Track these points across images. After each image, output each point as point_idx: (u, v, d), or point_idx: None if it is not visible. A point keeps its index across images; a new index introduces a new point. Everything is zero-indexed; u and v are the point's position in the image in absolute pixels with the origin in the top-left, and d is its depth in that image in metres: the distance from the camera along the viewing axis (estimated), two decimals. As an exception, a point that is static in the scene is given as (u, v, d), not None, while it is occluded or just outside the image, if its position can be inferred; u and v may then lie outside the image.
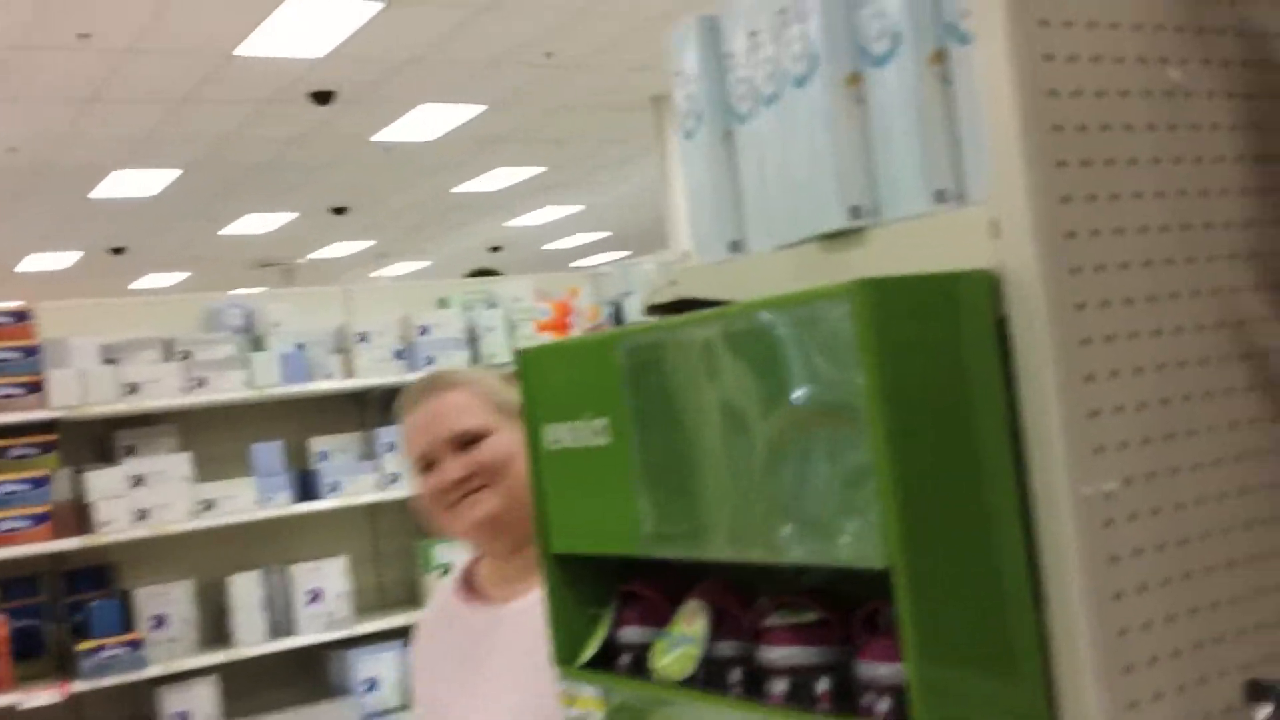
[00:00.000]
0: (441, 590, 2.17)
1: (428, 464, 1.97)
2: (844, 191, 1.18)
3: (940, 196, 1.13)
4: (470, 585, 2.09)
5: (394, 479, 5.12)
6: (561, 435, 1.28)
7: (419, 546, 5.26)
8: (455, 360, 5.28)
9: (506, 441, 1.95)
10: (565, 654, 1.34)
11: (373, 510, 5.36)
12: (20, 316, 4.58)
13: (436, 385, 2.02)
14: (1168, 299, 1.12)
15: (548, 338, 5.56)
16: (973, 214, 1.09)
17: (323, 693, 5.12)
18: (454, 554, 5.12)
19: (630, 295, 5.78)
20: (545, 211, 15.97)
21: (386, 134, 11.02)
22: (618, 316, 5.80)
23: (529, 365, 1.34)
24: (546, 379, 1.33)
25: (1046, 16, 1.09)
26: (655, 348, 1.19)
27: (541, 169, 13.30)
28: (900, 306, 0.99)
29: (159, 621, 4.75)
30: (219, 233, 14.80)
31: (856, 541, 0.98)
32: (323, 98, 9.55)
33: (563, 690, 1.33)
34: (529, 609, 1.88)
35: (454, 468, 1.94)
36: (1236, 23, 1.24)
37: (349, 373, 5.14)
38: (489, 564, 2.07)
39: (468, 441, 1.95)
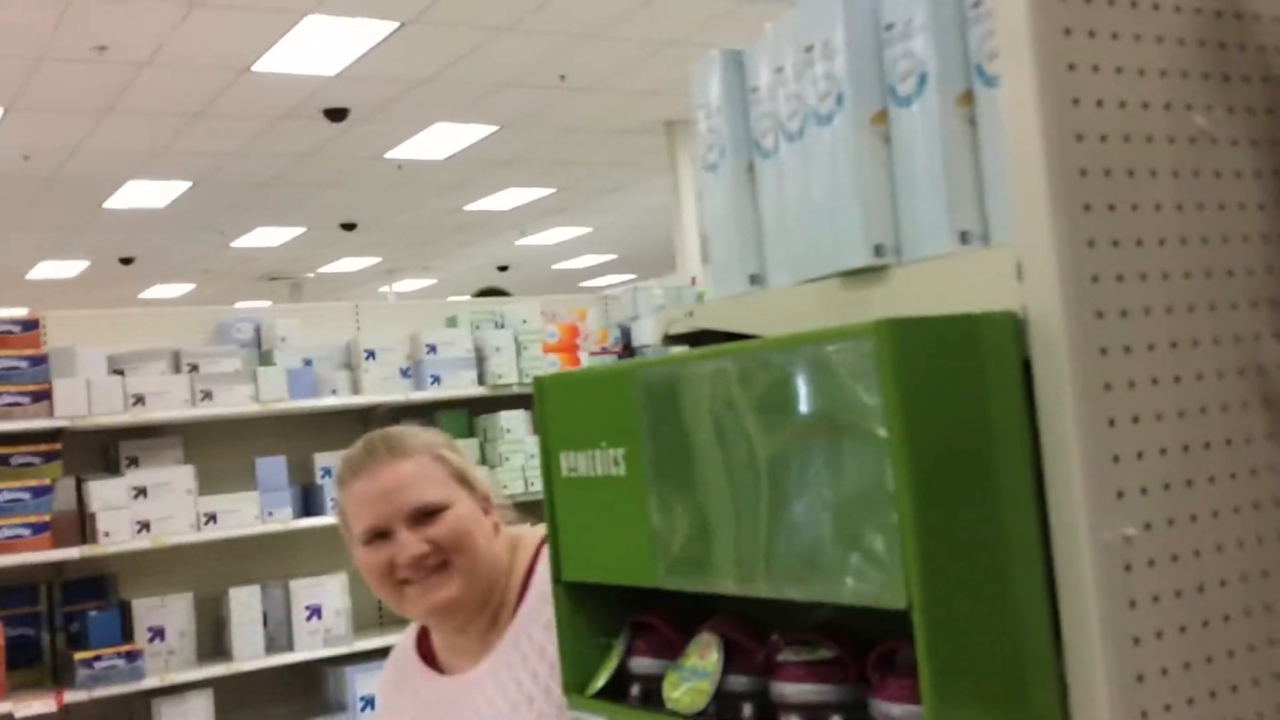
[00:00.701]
0: (401, 646, 2.06)
1: (379, 536, 1.83)
2: (868, 229, 1.18)
3: (964, 237, 1.13)
4: (425, 648, 2.01)
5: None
6: (577, 463, 1.28)
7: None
8: (462, 380, 5.28)
9: (465, 514, 1.85)
10: (575, 682, 1.34)
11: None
12: (28, 325, 4.58)
13: (392, 451, 1.87)
14: (1189, 345, 1.12)
15: (555, 360, 5.57)
16: (997, 255, 1.10)
17: (319, 709, 5.10)
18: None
19: (639, 319, 5.78)
20: (554, 232, 16.02)
21: (399, 151, 11.07)
22: (626, 340, 5.80)
23: (546, 392, 1.34)
24: (563, 406, 1.33)
25: (1074, 61, 1.09)
26: (673, 380, 1.19)
27: (551, 190, 13.34)
28: (924, 347, 0.99)
29: (157, 633, 4.74)
30: (228, 245, 14.85)
31: (876, 581, 0.98)
32: (336, 115, 9.59)
33: (572, 719, 1.33)
34: (482, 679, 1.86)
35: (413, 543, 1.80)
36: (1261, 70, 1.25)
37: (356, 389, 5.14)
38: (438, 635, 1.99)
39: (426, 514, 1.83)
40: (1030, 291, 1.05)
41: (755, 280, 1.33)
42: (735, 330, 1.32)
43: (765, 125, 1.31)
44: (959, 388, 1.01)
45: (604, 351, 5.69)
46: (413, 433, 1.95)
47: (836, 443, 1.02)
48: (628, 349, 5.78)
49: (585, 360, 5.60)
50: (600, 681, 1.31)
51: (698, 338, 1.37)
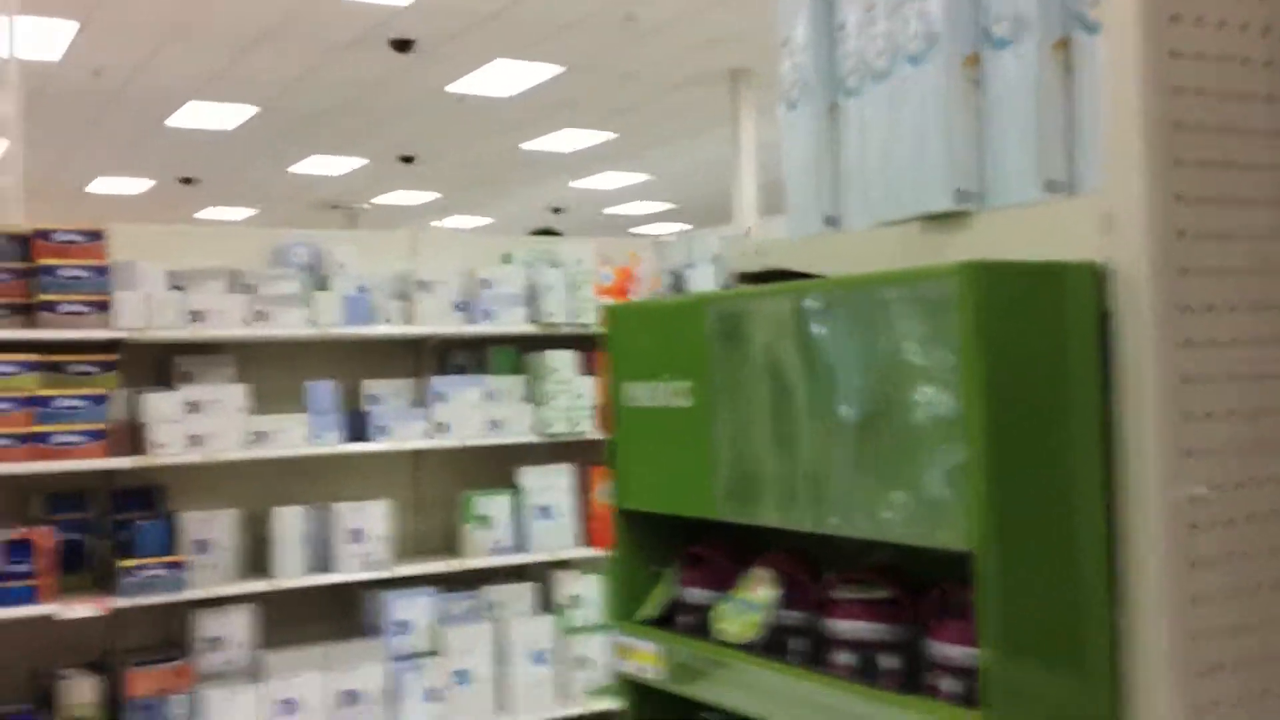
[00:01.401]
0: None
1: None
2: (952, 174, 1.17)
3: (1051, 186, 1.12)
4: None
5: (442, 428, 5.15)
6: (642, 393, 1.29)
7: (461, 496, 5.30)
8: (514, 316, 5.30)
9: None
10: (625, 609, 1.35)
11: (418, 457, 5.40)
12: (93, 236, 4.63)
13: None
14: (1273, 308, 1.10)
15: (607, 301, 5.57)
16: (1082, 205, 1.08)
17: (355, 631, 5.17)
18: (494, 507, 5.16)
19: (693, 266, 5.76)
20: (610, 177, 15.96)
21: (462, 87, 11.04)
22: (678, 286, 5.79)
23: (614, 322, 1.35)
24: (631, 337, 1.33)
25: (1178, 12, 1.07)
26: (745, 315, 1.19)
27: (611, 135, 13.27)
28: (1006, 292, 0.99)
29: (202, 546, 4.81)
30: (288, 171, 14.91)
31: (941, 522, 0.98)
32: (402, 45, 9.57)
33: (620, 644, 1.34)
34: None
35: None
36: (1364, 36, 1.22)
37: (408, 319, 5.17)
38: None
39: None
40: (1116, 244, 1.04)
41: (832, 221, 1.32)
42: (809, 271, 1.31)
43: (851, 64, 1.30)
44: (1037, 335, 1.00)
45: (656, 297, 5.68)
46: None
47: (909, 382, 1.02)
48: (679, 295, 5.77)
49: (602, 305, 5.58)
50: (651, 609, 1.32)
51: (769, 278, 1.37)
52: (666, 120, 12.84)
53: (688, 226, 19.96)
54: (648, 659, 1.29)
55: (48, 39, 9.18)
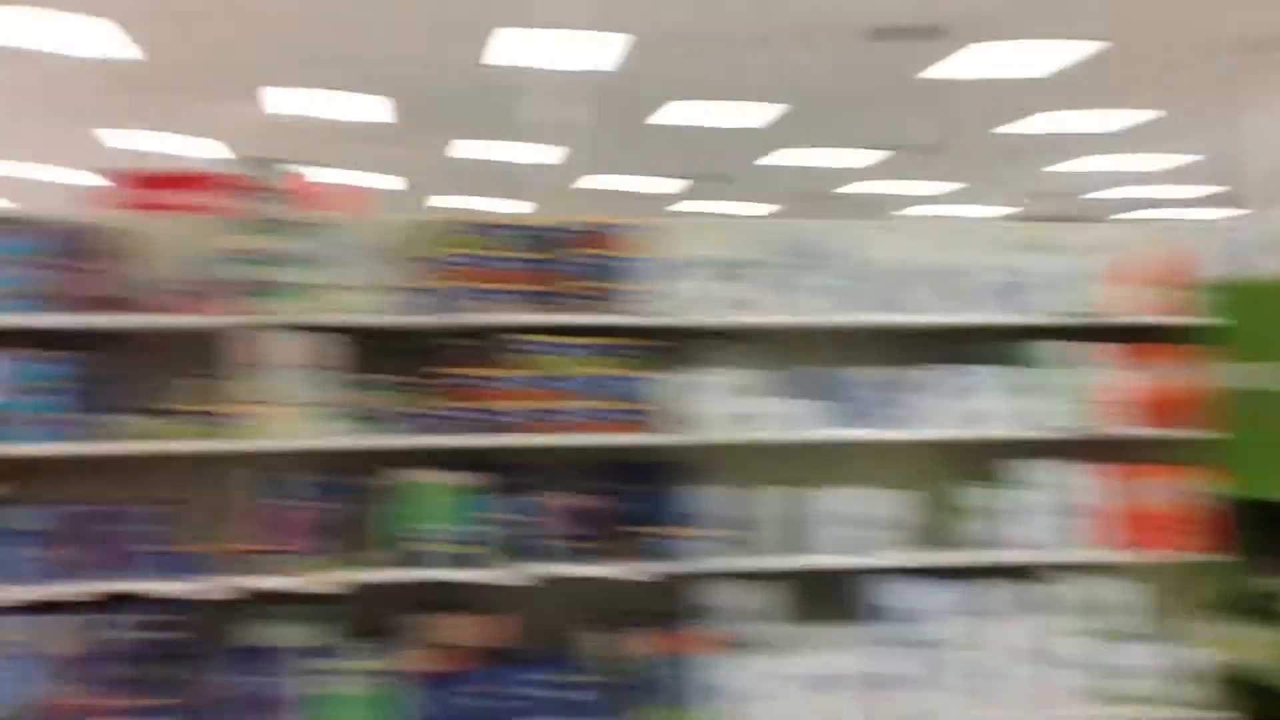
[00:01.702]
0: None
1: None
2: None
3: None
4: None
5: (941, 418, 5.13)
6: (1267, 376, 1.19)
7: (947, 488, 5.28)
8: (1003, 306, 5.17)
9: None
10: (1232, 600, 1.26)
11: (905, 448, 5.42)
12: (634, 230, 5.06)
13: None
14: None
15: (1124, 290, 5.27)
16: None
17: (842, 614, 5.27)
18: (983, 498, 5.09)
19: (1232, 254, 5.30)
20: (1123, 159, 15.00)
21: (986, 70, 10.75)
22: (1206, 272, 5.39)
23: (1234, 301, 1.26)
24: (1256, 316, 1.23)
25: None
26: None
27: (1158, 113, 12.37)
28: None
29: (713, 521, 5.08)
30: (807, 165, 15.26)
31: None
32: (932, 31, 9.49)
33: (1219, 637, 1.26)
34: None
35: None
36: None
37: (897, 308, 5.19)
38: None
39: None
40: None
41: None
42: None
43: None
44: None
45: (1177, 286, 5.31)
46: None
47: None
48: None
49: (1144, 294, 5.27)
50: (1259, 600, 1.23)
51: None
52: (1206, 97, 11.77)
53: (1207, 211, 18.36)
54: (1255, 650, 1.20)
55: (602, 51, 9.95)
